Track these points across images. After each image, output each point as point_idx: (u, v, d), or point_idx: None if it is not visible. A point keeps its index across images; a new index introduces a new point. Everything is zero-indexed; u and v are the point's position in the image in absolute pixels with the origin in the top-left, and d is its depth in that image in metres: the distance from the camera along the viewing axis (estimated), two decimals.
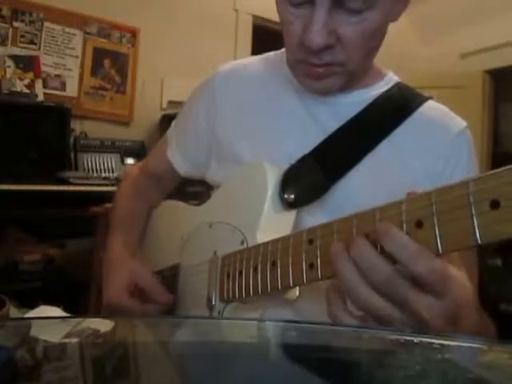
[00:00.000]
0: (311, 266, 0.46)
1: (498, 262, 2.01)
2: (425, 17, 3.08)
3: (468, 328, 0.43)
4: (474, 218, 0.34)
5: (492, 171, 0.34)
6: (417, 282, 0.39)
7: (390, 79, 0.73)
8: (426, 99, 0.71)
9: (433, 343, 0.38)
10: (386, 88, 0.70)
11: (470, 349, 0.38)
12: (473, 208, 0.35)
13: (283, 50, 0.76)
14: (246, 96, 0.75)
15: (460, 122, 0.70)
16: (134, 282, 0.69)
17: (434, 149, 0.67)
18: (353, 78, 0.66)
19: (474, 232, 0.34)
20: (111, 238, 0.79)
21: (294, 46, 0.62)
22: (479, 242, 0.34)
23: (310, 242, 0.47)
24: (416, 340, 0.38)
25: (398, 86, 0.71)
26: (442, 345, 0.38)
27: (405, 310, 0.40)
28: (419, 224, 0.38)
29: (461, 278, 0.40)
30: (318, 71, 0.62)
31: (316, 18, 0.56)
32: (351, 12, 0.56)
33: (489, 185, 0.34)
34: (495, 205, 0.33)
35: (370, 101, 0.68)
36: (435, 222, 0.37)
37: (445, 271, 0.38)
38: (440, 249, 0.37)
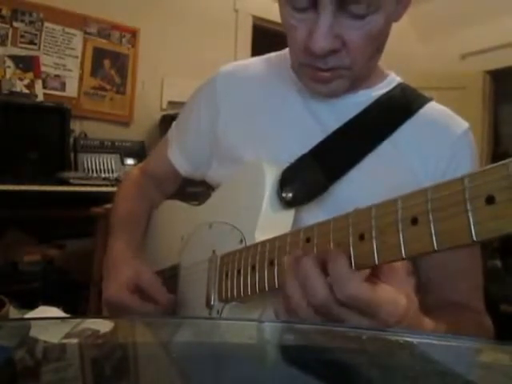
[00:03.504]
0: None
1: (498, 263, 2.01)
2: (425, 17, 3.09)
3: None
4: (470, 214, 0.34)
5: (487, 166, 0.34)
6: (348, 305, 0.42)
7: (393, 80, 0.73)
8: (428, 100, 0.71)
9: (432, 344, 0.38)
10: (388, 88, 0.70)
11: (468, 349, 0.38)
12: (468, 204, 0.34)
13: (284, 50, 0.76)
14: (248, 96, 0.75)
15: (462, 124, 0.70)
16: (136, 282, 0.68)
17: (435, 150, 0.67)
18: (358, 80, 0.66)
19: (470, 228, 0.34)
20: (112, 239, 0.78)
21: (298, 50, 0.62)
22: (475, 238, 0.34)
23: (307, 240, 0.47)
24: (415, 341, 0.38)
25: (401, 87, 0.71)
26: (441, 346, 0.38)
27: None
28: (414, 221, 0.38)
29: (391, 300, 0.42)
30: (325, 75, 0.62)
31: (321, 23, 0.56)
32: (355, 16, 0.56)
33: (484, 180, 0.34)
34: (490, 200, 0.33)
35: (372, 101, 0.68)
36: (430, 218, 0.37)
37: (370, 297, 0.41)
38: (435, 246, 0.36)
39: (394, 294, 0.42)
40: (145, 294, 0.67)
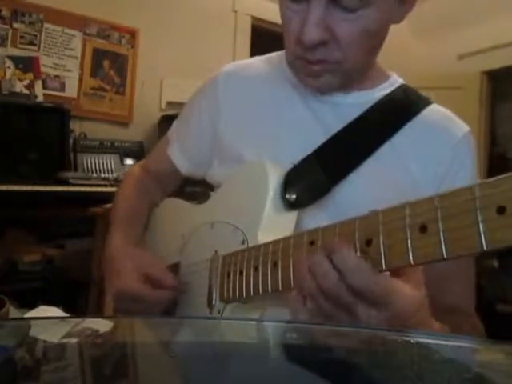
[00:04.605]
0: None
1: (495, 262, 2.01)
2: (422, 17, 3.08)
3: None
4: (480, 224, 0.34)
5: (498, 177, 0.34)
6: (359, 294, 0.41)
7: (395, 81, 0.72)
8: (429, 102, 0.71)
9: (430, 343, 0.38)
10: (390, 90, 0.70)
11: (467, 349, 0.39)
12: (479, 214, 0.34)
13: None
14: (249, 96, 0.76)
15: (463, 127, 0.70)
16: (144, 270, 0.67)
17: (436, 153, 0.67)
18: (352, 77, 0.66)
19: (480, 238, 0.34)
20: (112, 234, 0.77)
21: (292, 42, 0.62)
22: (485, 248, 0.34)
23: (311, 243, 0.47)
24: (413, 340, 0.38)
25: (403, 88, 0.71)
26: (439, 345, 0.38)
27: (351, 316, 0.42)
28: (423, 229, 0.37)
29: (406, 292, 0.42)
30: (313, 68, 0.62)
31: (311, 14, 0.57)
32: (347, 10, 0.57)
33: (495, 190, 0.33)
34: (502, 211, 0.33)
35: (374, 102, 0.68)
36: (440, 227, 0.36)
37: (386, 287, 0.40)
38: (445, 254, 0.36)
39: (407, 289, 0.42)
40: (154, 282, 0.67)
